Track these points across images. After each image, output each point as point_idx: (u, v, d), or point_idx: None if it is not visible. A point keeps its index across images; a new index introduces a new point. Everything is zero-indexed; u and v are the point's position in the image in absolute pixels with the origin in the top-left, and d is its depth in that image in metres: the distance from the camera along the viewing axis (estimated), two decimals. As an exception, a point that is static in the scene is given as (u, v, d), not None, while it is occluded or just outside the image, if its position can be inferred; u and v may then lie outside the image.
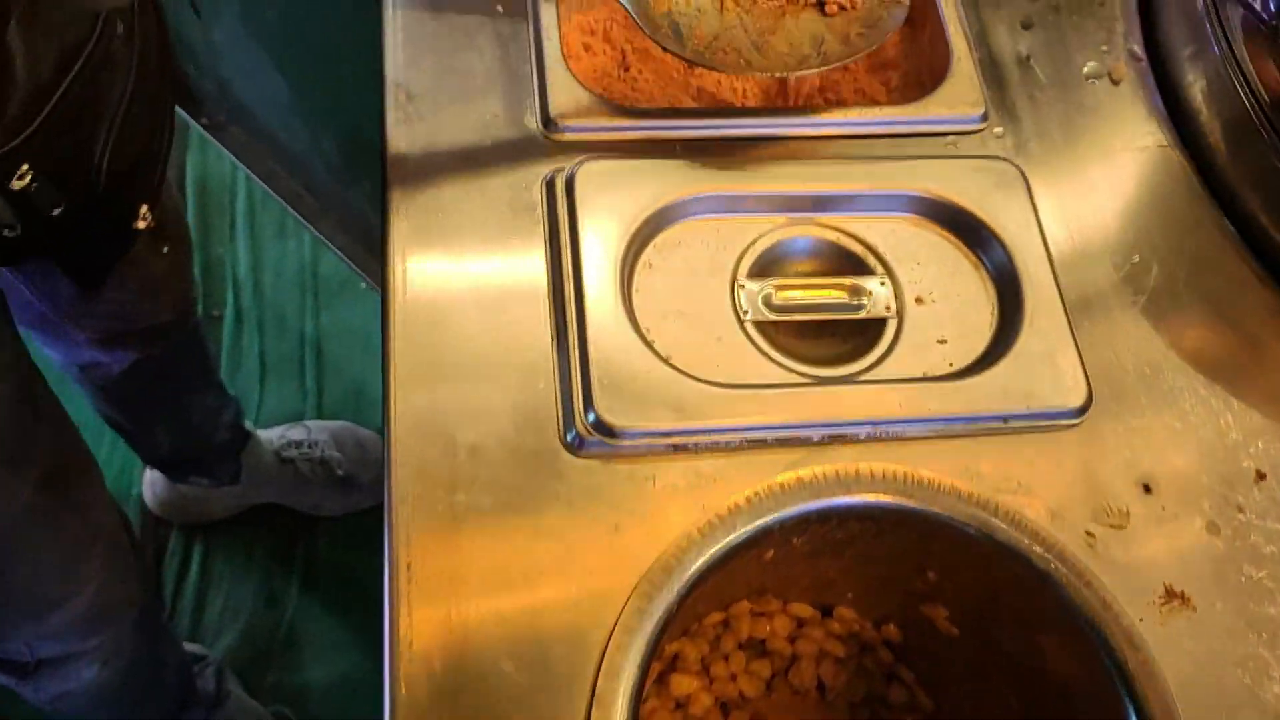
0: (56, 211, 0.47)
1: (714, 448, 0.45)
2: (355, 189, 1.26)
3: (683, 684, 0.56)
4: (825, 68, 0.50)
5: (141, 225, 0.55)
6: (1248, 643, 0.44)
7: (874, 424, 0.46)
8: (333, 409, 1.49)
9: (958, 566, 0.48)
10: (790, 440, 0.46)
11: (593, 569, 0.42)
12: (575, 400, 0.44)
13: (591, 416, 0.44)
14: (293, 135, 1.26)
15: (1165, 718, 0.42)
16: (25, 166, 0.43)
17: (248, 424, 1.33)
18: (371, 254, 1.36)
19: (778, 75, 0.53)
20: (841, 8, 0.52)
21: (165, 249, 0.84)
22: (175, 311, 0.95)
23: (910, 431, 0.47)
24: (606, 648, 0.41)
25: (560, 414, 0.45)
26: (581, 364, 0.45)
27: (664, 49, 0.49)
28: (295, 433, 1.39)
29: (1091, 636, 0.44)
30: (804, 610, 0.58)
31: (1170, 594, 0.45)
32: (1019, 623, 0.48)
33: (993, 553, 0.45)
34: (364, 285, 1.58)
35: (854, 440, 0.46)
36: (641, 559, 0.42)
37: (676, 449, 0.45)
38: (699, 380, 0.45)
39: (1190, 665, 0.44)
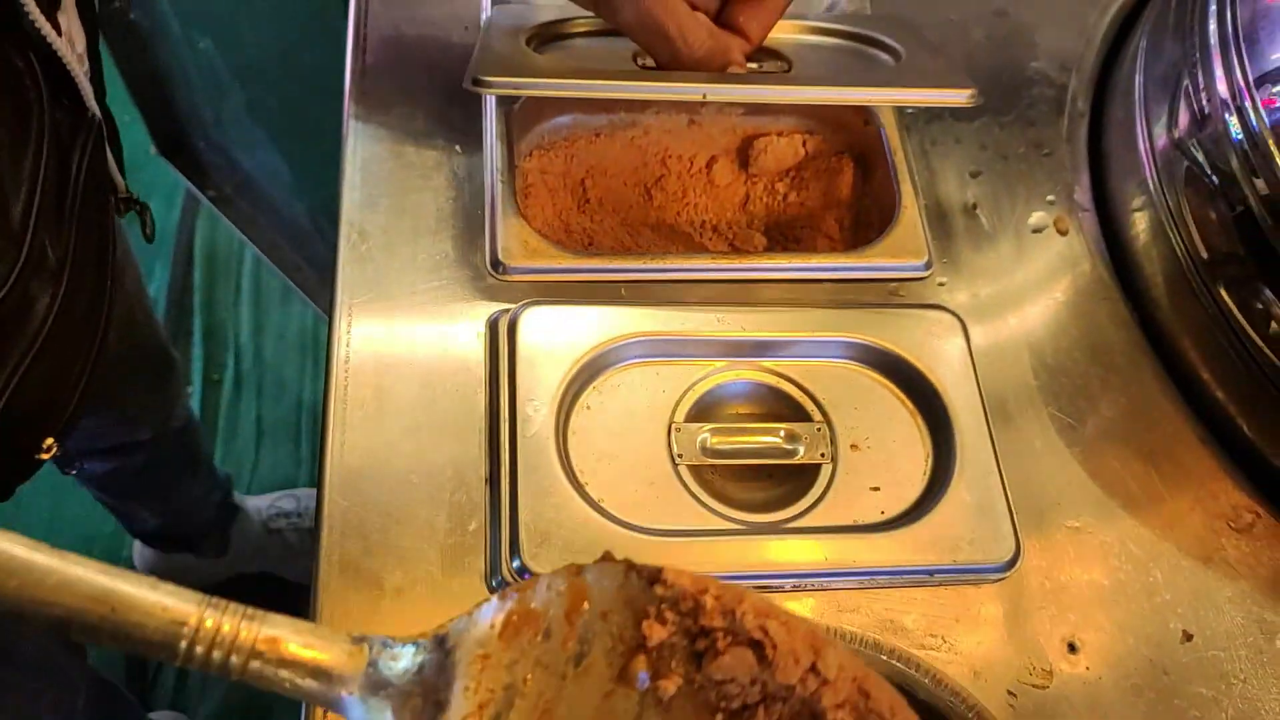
0: None
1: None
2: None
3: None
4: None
5: (45, 456, 0.54)
6: (1166, 814, 0.45)
7: (800, 576, 0.47)
8: (326, 476, 1.51)
9: None
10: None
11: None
12: (503, 546, 0.46)
13: (516, 563, 0.45)
14: (293, 211, 1.30)
15: None
16: None
17: (237, 496, 1.34)
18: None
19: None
20: None
21: (142, 380, 0.86)
22: (156, 427, 0.96)
23: (836, 584, 0.48)
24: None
25: (487, 558, 0.46)
26: (511, 509, 0.46)
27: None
28: (285, 503, 1.41)
29: None
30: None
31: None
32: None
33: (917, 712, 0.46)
34: (364, 353, 1.61)
35: (779, 591, 0.47)
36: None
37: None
38: (628, 527, 0.47)
39: (1105, 836, 0.44)
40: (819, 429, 0.52)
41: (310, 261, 1.39)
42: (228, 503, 1.31)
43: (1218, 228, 0.54)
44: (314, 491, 1.45)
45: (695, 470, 0.50)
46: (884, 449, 0.52)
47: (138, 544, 1.36)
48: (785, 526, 0.49)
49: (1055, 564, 0.50)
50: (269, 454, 1.54)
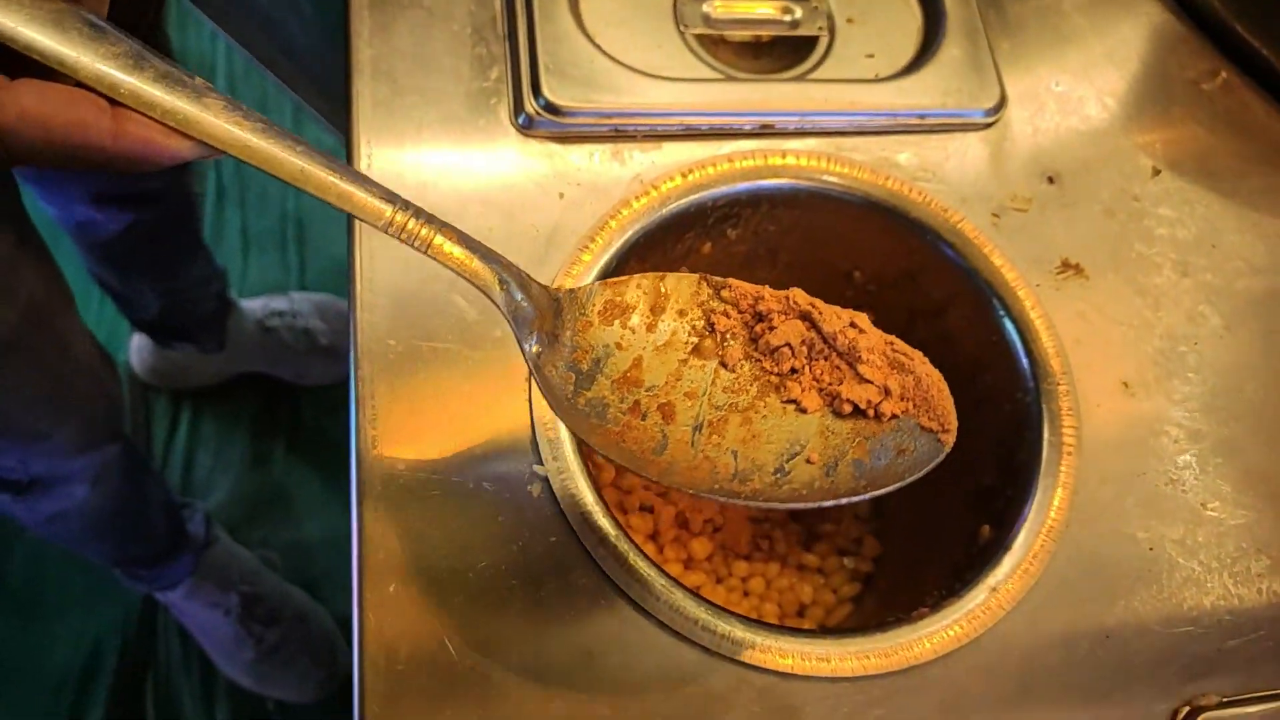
0: None
1: (653, 133, 0.51)
2: (329, 45, 1.30)
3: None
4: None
5: None
6: (1134, 306, 0.51)
7: (802, 115, 0.52)
8: (315, 283, 1.54)
9: (882, 258, 0.54)
10: (724, 130, 0.51)
11: (540, 227, 0.48)
12: (524, 86, 0.50)
13: (540, 99, 0.49)
14: (266, -7, 1.30)
15: (1057, 365, 0.48)
16: None
17: (232, 294, 1.38)
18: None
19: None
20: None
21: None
22: (163, 179, 0.98)
23: (835, 124, 0.52)
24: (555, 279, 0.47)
25: (511, 99, 0.50)
26: (530, 54, 0.50)
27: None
28: (278, 303, 1.44)
29: (999, 310, 0.50)
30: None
31: (1066, 265, 0.51)
32: (933, 314, 0.54)
33: (908, 232, 0.51)
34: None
35: (783, 131, 0.52)
36: (587, 220, 0.48)
37: (618, 131, 0.50)
38: (641, 73, 0.51)
39: (1079, 321, 0.50)
40: (815, 5, 0.56)
41: (286, 51, 1.39)
42: (224, 295, 1.34)
43: None
44: (306, 294, 1.48)
45: (701, 40, 0.54)
46: (877, 21, 0.56)
47: (135, 343, 1.39)
48: (786, 78, 0.53)
49: (1037, 113, 0.55)
50: (256, 263, 1.57)
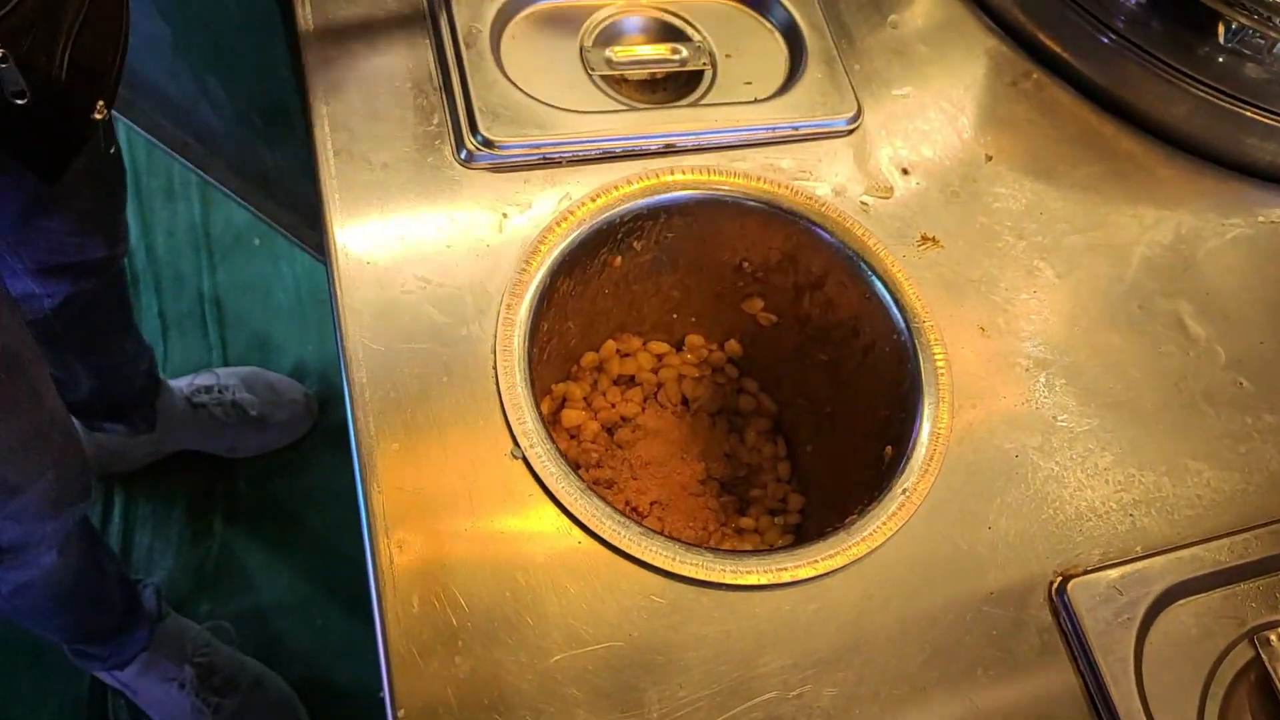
0: (20, 99, 0.56)
1: (576, 158, 0.61)
2: (244, 126, 1.38)
3: (572, 417, 0.72)
4: None
5: (98, 117, 0.63)
6: (982, 266, 0.62)
7: (698, 134, 0.63)
8: (238, 359, 1.58)
9: (764, 247, 0.64)
10: (635, 151, 0.62)
11: (489, 243, 0.57)
12: (463, 127, 0.59)
13: (478, 136, 0.59)
14: (178, 80, 1.37)
15: (922, 309, 0.59)
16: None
17: (160, 374, 1.41)
18: (266, 193, 1.47)
19: None
20: None
21: (102, 181, 0.93)
22: (108, 246, 1.03)
23: (727, 140, 0.63)
24: (503, 297, 0.56)
25: (452, 138, 0.60)
26: (465, 100, 0.60)
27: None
28: (204, 379, 1.48)
29: (867, 272, 0.61)
30: (660, 346, 0.74)
31: (925, 239, 0.62)
32: (814, 286, 0.64)
33: (790, 224, 0.62)
34: (257, 241, 1.69)
35: (683, 149, 0.63)
36: (529, 233, 0.58)
37: (546, 159, 0.60)
38: (561, 109, 0.61)
39: (939, 283, 0.61)
40: (699, 45, 0.67)
41: (199, 135, 1.46)
42: (154, 373, 1.37)
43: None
44: (231, 369, 1.52)
45: (606, 80, 0.65)
46: (751, 56, 0.67)
47: (65, 426, 1.41)
48: (682, 105, 0.64)
49: (888, 120, 0.67)
50: (177, 344, 1.60)
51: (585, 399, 0.73)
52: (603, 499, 0.51)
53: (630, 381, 0.74)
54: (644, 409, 0.74)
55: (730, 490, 0.73)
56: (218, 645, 1.28)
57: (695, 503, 0.73)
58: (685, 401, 0.74)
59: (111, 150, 0.94)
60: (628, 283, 0.67)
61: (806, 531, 0.68)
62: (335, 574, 1.42)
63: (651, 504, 0.72)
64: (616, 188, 0.60)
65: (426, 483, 0.49)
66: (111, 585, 1.12)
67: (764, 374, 0.73)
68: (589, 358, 0.73)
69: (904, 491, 0.53)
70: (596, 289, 0.66)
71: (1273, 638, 0.52)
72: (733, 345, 0.74)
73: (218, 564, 1.43)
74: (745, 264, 0.66)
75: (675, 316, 0.73)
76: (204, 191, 1.70)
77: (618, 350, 0.74)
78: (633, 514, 0.71)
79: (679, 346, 0.75)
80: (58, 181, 0.67)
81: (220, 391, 1.49)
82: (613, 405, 0.74)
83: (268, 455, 1.49)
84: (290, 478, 1.50)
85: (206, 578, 1.41)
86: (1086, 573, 0.53)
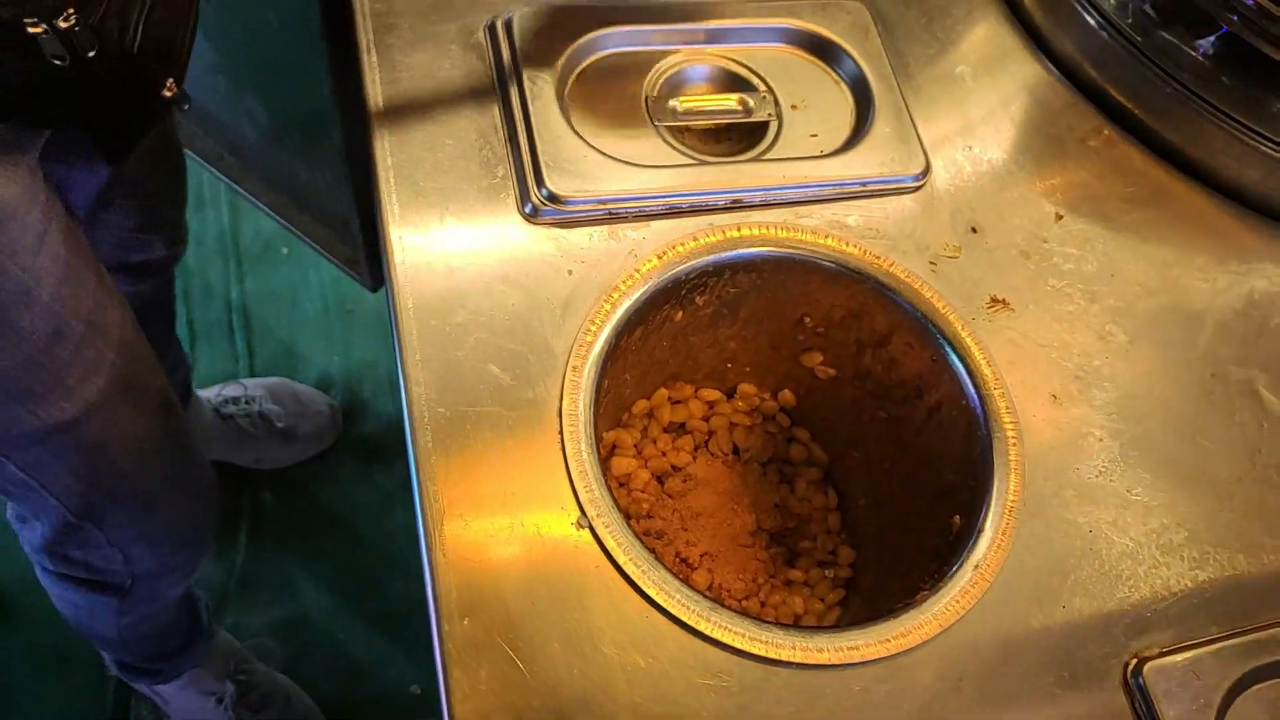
0: (92, 54, 0.57)
1: (641, 213, 0.60)
2: (283, 145, 1.37)
3: (622, 465, 0.71)
4: None
5: (168, 95, 0.62)
6: (1053, 331, 0.61)
7: (765, 190, 0.62)
8: (265, 369, 1.58)
9: (828, 304, 0.64)
10: (701, 206, 0.61)
11: (555, 300, 0.56)
12: (529, 180, 0.59)
13: (544, 190, 0.58)
14: (217, 97, 1.37)
15: (992, 375, 0.58)
16: (71, 10, 0.54)
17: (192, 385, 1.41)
18: (300, 208, 1.47)
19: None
20: None
21: (164, 172, 0.94)
22: (168, 245, 1.04)
23: (793, 195, 0.62)
24: (568, 360, 0.55)
25: (517, 191, 0.59)
26: (531, 153, 0.59)
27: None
28: (231, 389, 1.48)
29: (935, 334, 0.60)
30: (712, 394, 0.73)
31: (994, 301, 0.61)
32: (878, 345, 0.63)
33: (857, 282, 0.61)
34: (285, 250, 1.68)
35: (749, 204, 0.62)
36: (594, 291, 0.57)
37: (612, 215, 0.59)
38: (627, 162, 0.60)
39: (1010, 347, 0.60)
40: (764, 95, 0.66)
41: (234, 150, 1.46)
42: (188, 384, 1.37)
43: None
44: (258, 380, 1.52)
45: (671, 130, 0.64)
46: (818, 107, 0.66)
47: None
48: (747, 158, 0.63)
49: (956, 176, 0.66)
50: (205, 354, 1.60)
51: (636, 446, 0.73)
52: (661, 562, 0.50)
53: (681, 429, 0.74)
54: (695, 458, 0.73)
55: (779, 541, 0.73)
56: (254, 661, 1.28)
57: (744, 554, 0.72)
58: (736, 450, 0.74)
59: (173, 140, 0.95)
60: (685, 334, 0.66)
61: (860, 588, 0.67)
62: (361, 587, 1.42)
63: (702, 555, 0.71)
64: (682, 244, 0.60)
65: (491, 548, 0.49)
66: (184, 609, 1.13)
67: (817, 425, 0.73)
68: (640, 405, 0.72)
69: (975, 567, 0.53)
70: (655, 342, 0.65)
71: (1353, 727, 0.51)
72: (786, 395, 0.73)
73: (243, 576, 1.43)
74: (807, 319, 0.65)
75: (730, 366, 0.72)
76: (233, 200, 1.69)
77: (669, 398, 0.73)
78: (682, 565, 0.70)
79: (731, 394, 0.74)
80: (124, 161, 0.67)
81: (248, 403, 1.48)
82: (663, 454, 0.73)
83: (293, 467, 1.49)
84: (316, 490, 1.50)
85: (231, 590, 1.41)
86: (1162, 654, 0.52)
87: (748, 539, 0.72)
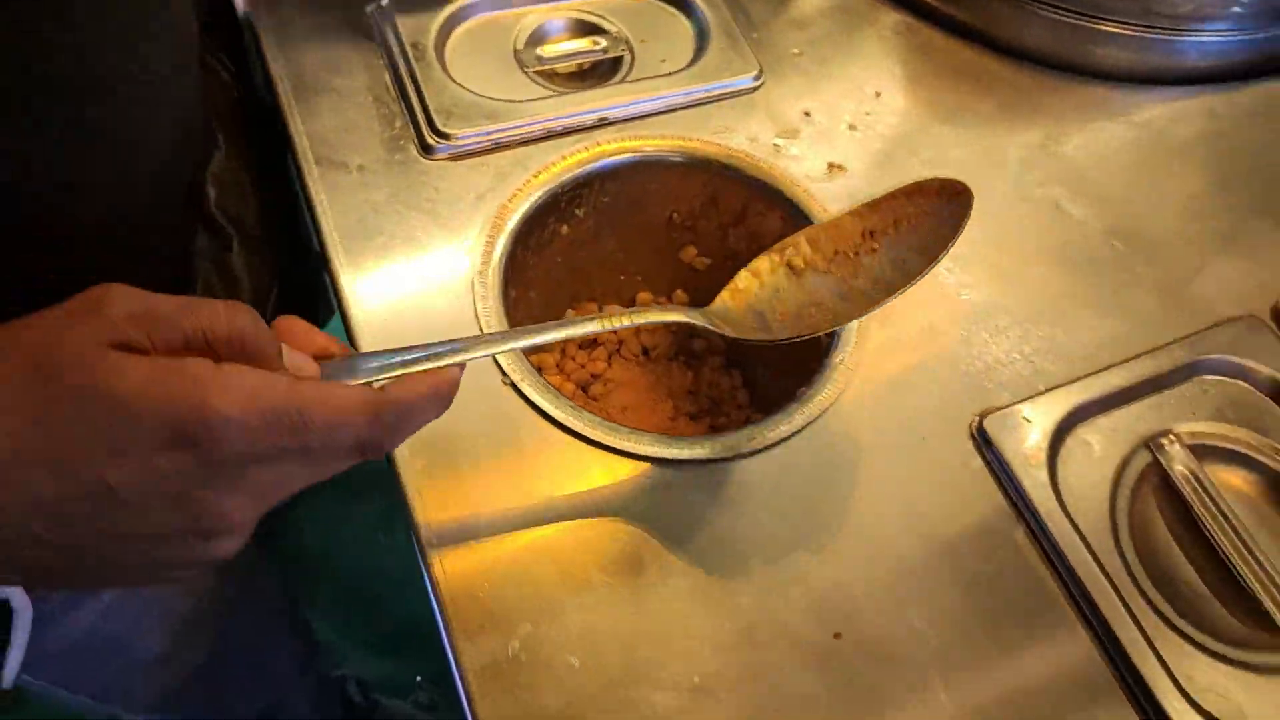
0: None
1: (523, 140, 0.71)
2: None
3: (550, 382, 0.81)
4: (909, 285, 0.55)
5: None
6: (884, 183, 0.73)
7: (624, 106, 0.73)
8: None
9: (688, 196, 0.75)
10: (571, 128, 0.72)
11: (461, 220, 0.67)
12: (423, 126, 0.70)
13: (436, 132, 0.70)
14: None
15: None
16: None
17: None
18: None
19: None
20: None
21: None
22: None
23: (652, 108, 0.74)
24: (477, 260, 0.66)
25: (415, 137, 0.70)
26: (421, 104, 0.71)
27: (755, 343, 0.57)
28: None
29: (781, 195, 0.71)
30: (615, 309, 0.84)
31: (831, 166, 0.73)
32: (737, 222, 0.75)
33: (704, 169, 0.73)
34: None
35: (614, 122, 0.73)
36: (491, 210, 0.68)
37: (496, 145, 0.71)
38: (504, 100, 0.72)
39: (848, 199, 0.72)
40: (616, 35, 0.78)
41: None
42: None
43: None
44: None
45: (540, 74, 0.76)
46: (663, 38, 0.79)
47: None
48: (608, 85, 0.75)
49: (787, 76, 0.78)
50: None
51: (557, 365, 0.83)
52: (584, 408, 0.61)
53: (594, 344, 0.84)
54: (610, 364, 0.84)
55: (698, 420, 0.83)
56: None
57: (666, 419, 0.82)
58: (645, 351, 0.84)
59: None
60: (575, 250, 0.77)
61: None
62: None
63: (623, 409, 0.81)
64: (554, 163, 0.71)
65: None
66: None
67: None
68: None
69: (840, 365, 0.64)
70: (550, 258, 0.76)
71: (1164, 443, 0.62)
72: (679, 295, 0.84)
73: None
74: (675, 215, 0.77)
75: (623, 278, 0.83)
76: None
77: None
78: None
79: (631, 305, 0.85)
80: None
81: None
82: (582, 366, 0.83)
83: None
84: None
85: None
86: (999, 409, 0.63)
87: (670, 425, 0.83)
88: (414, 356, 0.42)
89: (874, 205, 0.59)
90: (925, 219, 0.58)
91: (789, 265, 0.59)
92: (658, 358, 0.84)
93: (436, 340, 0.44)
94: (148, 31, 0.52)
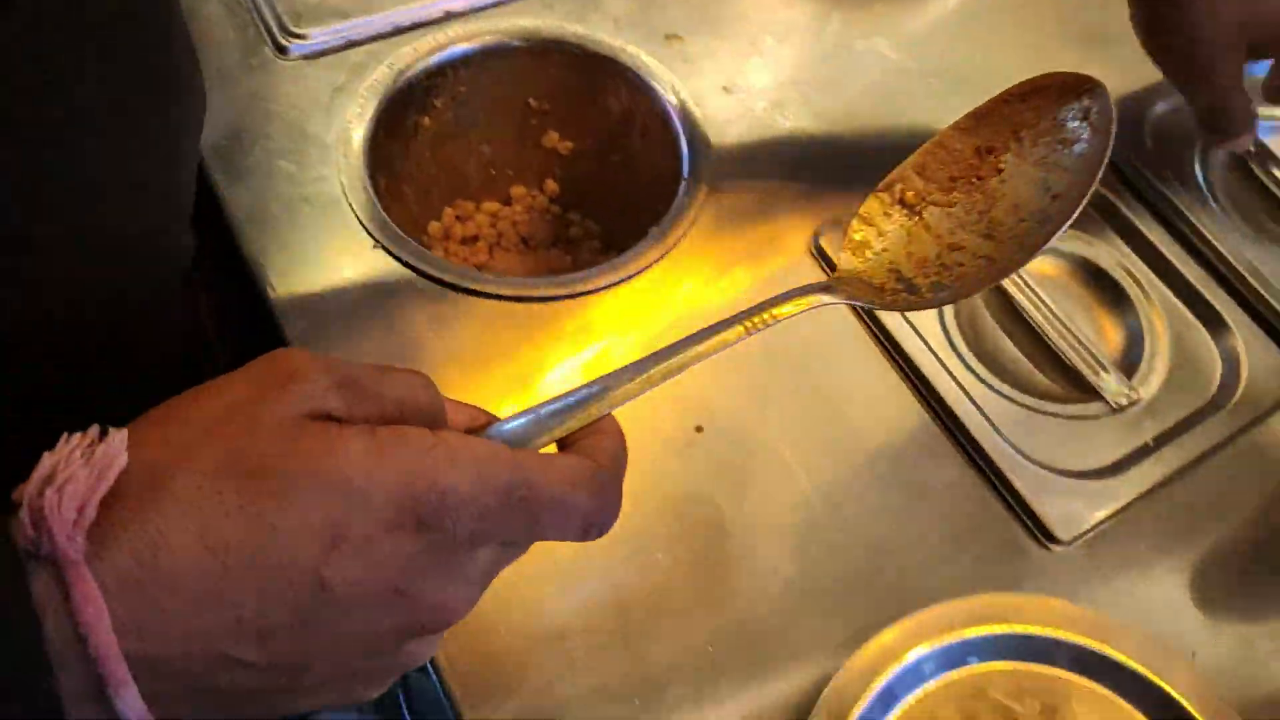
0: None
1: (375, 36, 0.75)
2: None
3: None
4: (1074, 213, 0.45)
5: None
6: (715, 45, 0.79)
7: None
8: None
9: (540, 79, 0.80)
10: (421, 21, 0.76)
11: (319, 115, 0.71)
12: (274, 29, 0.74)
13: (287, 34, 0.73)
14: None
15: (677, 83, 0.75)
16: None
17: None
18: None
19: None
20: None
21: None
22: None
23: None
24: (343, 145, 0.70)
25: (269, 40, 0.74)
26: (270, 8, 0.74)
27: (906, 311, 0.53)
28: None
29: (625, 66, 0.77)
30: (492, 205, 0.89)
31: (669, 36, 0.79)
32: (587, 98, 0.80)
33: (552, 50, 0.78)
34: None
35: (461, 13, 0.78)
36: (351, 105, 0.72)
37: (350, 42, 0.75)
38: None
39: (683, 65, 0.77)
40: (455, -63, 0.82)
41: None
42: None
43: None
44: None
45: None
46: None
47: None
48: (451, -17, 0.79)
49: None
50: None
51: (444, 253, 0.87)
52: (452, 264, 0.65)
53: (475, 240, 0.89)
54: (492, 256, 0.88)
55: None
56: None
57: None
58: (524, 240, 0.89)
59: None
60: (441, 143, 0.81)
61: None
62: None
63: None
64: (406, 56, 0.75)
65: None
66: None
67: (584, 201, 0.89)
68: (434, 227, 0.87)
69: (688, 194, 0.70)
70: (418, 150, 0.80)
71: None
72: (550, 185, 0.89)
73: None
74: (532, 100, 0.81)
75: (494, 173, 0.87)
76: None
77: (456, 216, 0.88)
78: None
79: (507, 201, 0.90)
80: None
81: None
82: (465, 260, 0.88)
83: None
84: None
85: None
86: (833, 224, 0.69)
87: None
88: (558, 407, 0.36)
89: (980, 115, 0.50)
90: (1051, 126, 0.48)
91: (903, 202, 0.50)
92: (536, 246, 0.89)
93: (570, 390, 0.38)
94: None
